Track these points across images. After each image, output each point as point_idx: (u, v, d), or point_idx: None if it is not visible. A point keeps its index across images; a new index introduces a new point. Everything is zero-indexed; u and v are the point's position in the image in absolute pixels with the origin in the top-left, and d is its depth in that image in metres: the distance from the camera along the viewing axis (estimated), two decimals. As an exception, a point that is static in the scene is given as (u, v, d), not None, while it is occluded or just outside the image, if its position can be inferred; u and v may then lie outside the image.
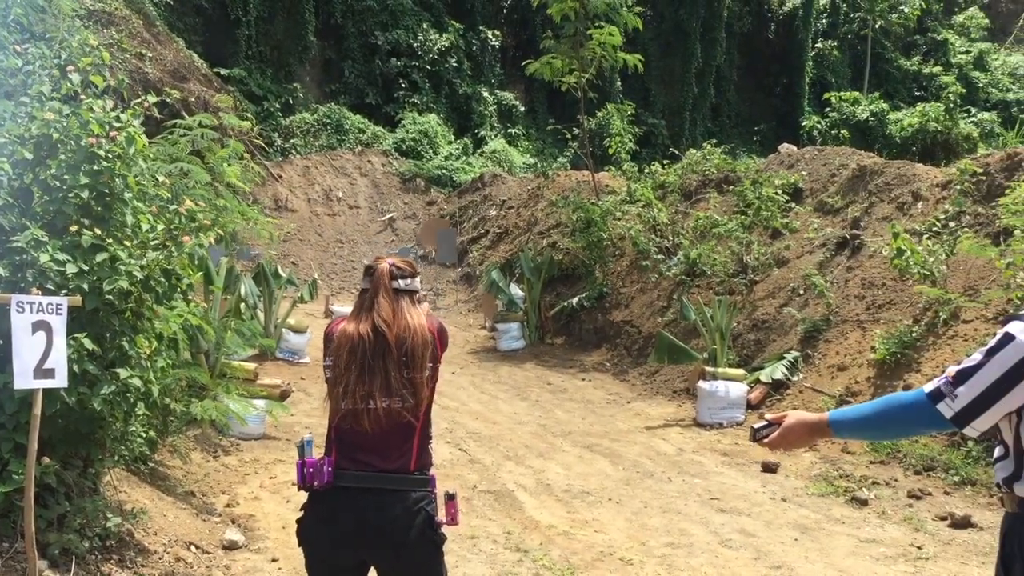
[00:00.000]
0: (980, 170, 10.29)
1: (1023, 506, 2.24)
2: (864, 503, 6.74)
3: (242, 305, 9.33)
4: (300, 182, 21.61)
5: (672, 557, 5.58)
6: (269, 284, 11.63)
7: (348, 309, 3.68)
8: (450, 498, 3.03)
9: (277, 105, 23.69)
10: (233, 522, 5.83)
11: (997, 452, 2.35)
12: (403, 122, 25.03)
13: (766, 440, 2.62)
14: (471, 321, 16.32)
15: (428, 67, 26.74)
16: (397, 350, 2.89)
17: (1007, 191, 8.98)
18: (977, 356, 2.25)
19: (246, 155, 9.28)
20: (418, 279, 3.12)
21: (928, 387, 2.32)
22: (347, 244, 20.63)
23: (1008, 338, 2.20)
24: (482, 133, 26.89)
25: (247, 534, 5.64)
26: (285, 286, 12.23)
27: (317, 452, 2.95)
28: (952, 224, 9.94)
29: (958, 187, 10.31)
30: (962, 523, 6.21)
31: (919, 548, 5.79)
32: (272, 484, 6.82)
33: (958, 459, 7.27)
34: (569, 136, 17.22)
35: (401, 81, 26.30)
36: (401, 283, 3.00)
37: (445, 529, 2.96)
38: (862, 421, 2.49)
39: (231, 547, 5.35)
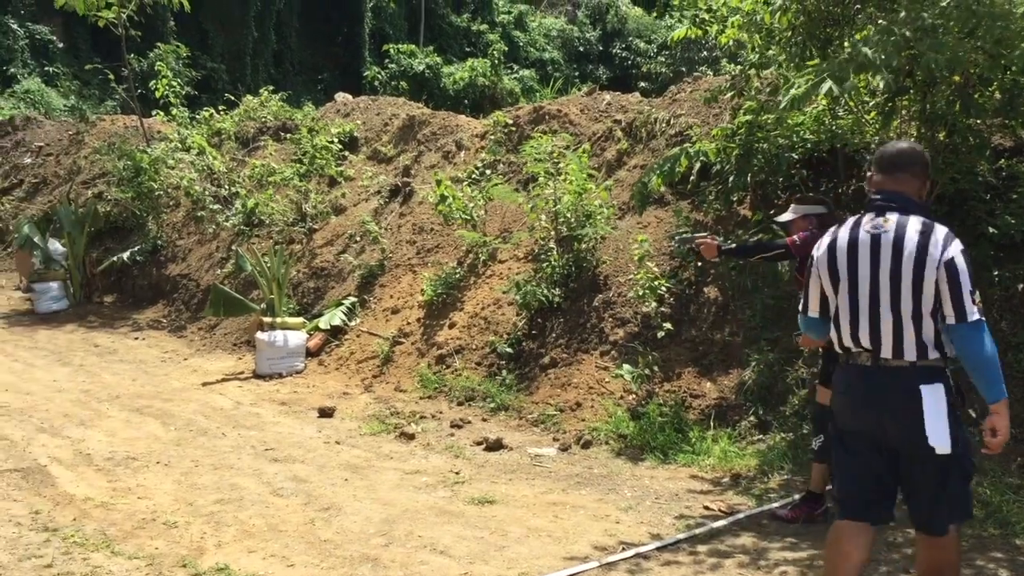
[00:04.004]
0: (511, 122, 11.22)
1: None
2: (412, 437, 7.12)
3: None
4: None
5: (220, 514, 5.45)
6: None
7: None
8: None
9: None
10: None
11: None
12: (-94, 54, 21.37)
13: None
14: (4, 282, 14.49)
15: (-64, -9, 23.01)
16: None
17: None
18: None
19: None
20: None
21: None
22: None
23: None
24: (12, 71, 23.80)
25: None
26: None
27: None
28: (489, 172, 10.75)
29: (492, 137, 11.17)
30: (495, 446, 6.81)
31: (457, 473, 6.26)
32: None
33: (494, 388, 7.95)
34: (112, 77, 15.83)
35: (-98, 6, 22.37)
36: None
37: None
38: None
39: None
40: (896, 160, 3.50)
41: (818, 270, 3.54)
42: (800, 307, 3.72)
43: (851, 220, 3.50)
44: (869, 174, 3.63)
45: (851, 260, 3.40)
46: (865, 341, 3.37)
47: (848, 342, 3.44)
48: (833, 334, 3.53)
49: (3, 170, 18.10)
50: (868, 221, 3.41)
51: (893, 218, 3.36)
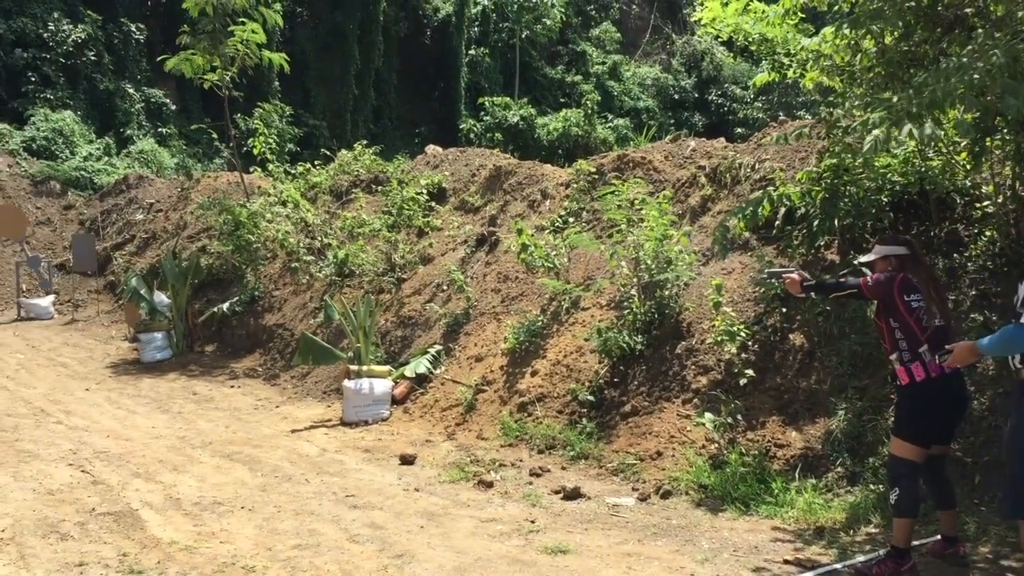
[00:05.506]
0: (594, 170, 11.26)
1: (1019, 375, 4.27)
2: (490, 485, 7.10)
3: None
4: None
5: (298, 559, 5.53)
6: None
7: None
8: None
9: None
10: None
11: None
12: (33, 119, 22.77)
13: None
14: (114, 333, 15.22)
15: (62, 60, 24.55)
16: None
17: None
18: None
19: None
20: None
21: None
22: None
23: None
24: (128, 132, 25.17)
25: None
26: None
27: None
28: (572, 220, 10.78)
29: (576, 186, 11.22)
30: (573, 495, 6.74)
31: (532, 522, 6.21)
32: None
33: (575, 436, 7.89)
34: (215, 136, 16.59)
35: (30, 74, 23.92)
36: None
37: None
38: (999, 347, 4.32)
39: None
40: None
41: None
42: None
43: None
44: None
45: None
46: None
47: None
48: None
49: (117, 226, 19.11)
50: None
51: None
